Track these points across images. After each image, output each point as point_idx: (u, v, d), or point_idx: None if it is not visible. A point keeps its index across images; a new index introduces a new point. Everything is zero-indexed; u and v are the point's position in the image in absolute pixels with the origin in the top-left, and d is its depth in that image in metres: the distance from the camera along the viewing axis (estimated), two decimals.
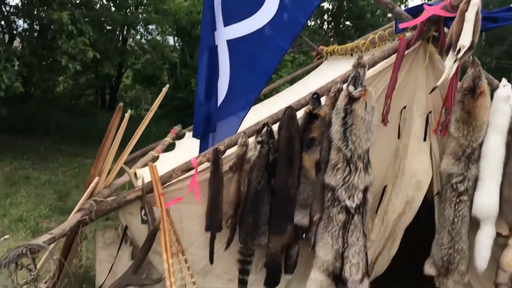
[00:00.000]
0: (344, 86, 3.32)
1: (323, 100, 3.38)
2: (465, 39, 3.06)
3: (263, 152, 3.29)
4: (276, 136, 3.33)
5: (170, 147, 5.58)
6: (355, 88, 3.21)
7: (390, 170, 3.58)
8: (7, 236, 5.01)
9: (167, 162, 4.39)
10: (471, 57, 3.37)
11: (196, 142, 4.06)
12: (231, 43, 3.86)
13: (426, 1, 4.42)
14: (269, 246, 3.35)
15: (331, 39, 13.66)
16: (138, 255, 3.33)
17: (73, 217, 3.10)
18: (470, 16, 3.07)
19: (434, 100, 3.56)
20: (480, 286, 3.65)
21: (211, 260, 3.46)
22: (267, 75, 3.91)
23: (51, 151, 8.63)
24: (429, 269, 3.57)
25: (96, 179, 3.29)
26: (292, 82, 7.04)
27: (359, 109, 3.17)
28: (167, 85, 4.01)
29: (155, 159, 5.05)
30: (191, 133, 5.84)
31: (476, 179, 3.41)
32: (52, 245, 2.81)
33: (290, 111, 3.32)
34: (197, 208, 3.50)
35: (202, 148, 3.90)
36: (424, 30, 3.43)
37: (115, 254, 3.64)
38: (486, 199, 3.37)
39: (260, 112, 4.07)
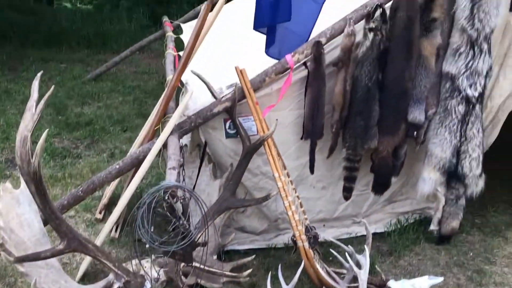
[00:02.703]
0: None
1: None
2: None
3: (376, 42, 2.75)
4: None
5: None
6: None
7: (496, 49, 3.14)
8: None
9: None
10: None
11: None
12: None
13: None
14: (380, 148, 2.98)
15: None
16: (235, 173, 2.88)
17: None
18: None
19: None
20: None
21: (312, 170, 3.06)
22: None
23: (16, 58, 7.45)
24: None
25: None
26: None
27: None
28: None
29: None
30: (186, 26, 5.00)
31: None
32: None
33: None
34: (288, 115, 3.04)
35: (269, 42, 3.24)
36: None
37: (191, 174, 3.15)
38: None
39: None
